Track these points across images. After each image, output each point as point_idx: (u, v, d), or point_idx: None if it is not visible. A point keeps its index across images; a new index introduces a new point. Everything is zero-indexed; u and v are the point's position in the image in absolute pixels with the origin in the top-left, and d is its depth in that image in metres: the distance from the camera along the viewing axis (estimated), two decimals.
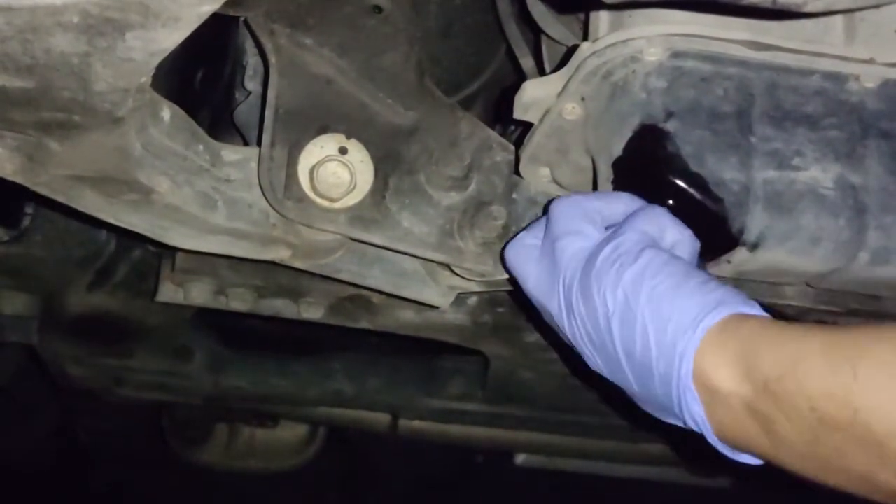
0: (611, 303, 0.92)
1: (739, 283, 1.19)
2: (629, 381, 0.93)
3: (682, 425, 0.91)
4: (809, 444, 0.78)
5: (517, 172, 1.26)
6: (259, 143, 1.14)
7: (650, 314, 0.89)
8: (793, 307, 1.27)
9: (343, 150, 1.14)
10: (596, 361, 0.98)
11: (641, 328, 0.89)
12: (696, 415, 0.86)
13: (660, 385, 0.88)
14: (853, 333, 0.78)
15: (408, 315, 1.62)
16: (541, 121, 1.15)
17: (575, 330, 0.98)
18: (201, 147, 1.13)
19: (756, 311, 0.86)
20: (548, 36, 1.38)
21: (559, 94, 1.11)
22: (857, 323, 1.09)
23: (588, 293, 0.95)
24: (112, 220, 1.13)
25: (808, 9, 0.89)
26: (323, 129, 1.14)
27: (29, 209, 1.63)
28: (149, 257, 1.69)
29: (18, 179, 1.02)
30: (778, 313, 1.00)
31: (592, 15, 1.16)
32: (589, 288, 0.95)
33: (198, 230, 1.18)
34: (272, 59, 1.15)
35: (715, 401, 0.84)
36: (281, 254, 1.25)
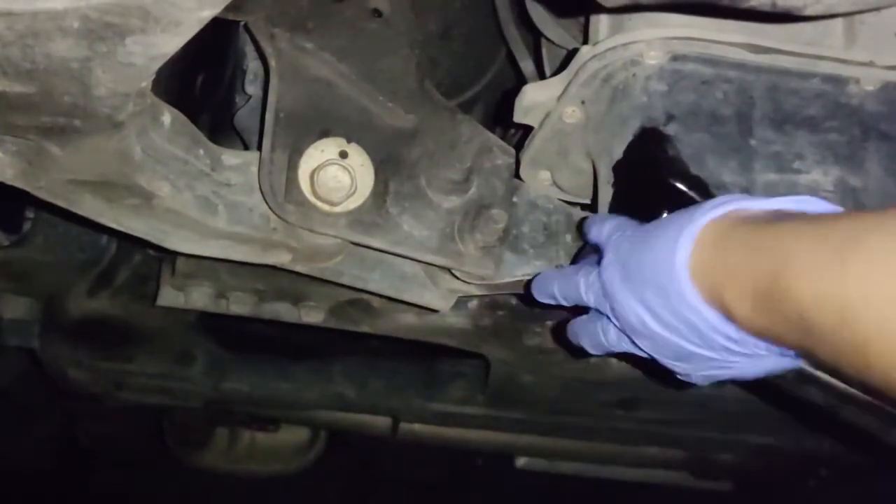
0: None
1: None
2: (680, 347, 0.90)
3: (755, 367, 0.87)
4: (810, 351, 0.74)
5: (517, 176, 1.26)
6: (260, 148, 1.14)
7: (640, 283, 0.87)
8: None
9: (343, 154, 1.14)
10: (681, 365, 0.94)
11: (642, 298, 0.88)
12: (732, 334, 0.82)
13: (690, 335, 0.85)
14: (846, 222, 0.72)
15: (408, 318, 1.62)
16: (541, 124, 1.16)
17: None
18: (202, 151, 1.13)
19: (726, 206, 0.82)
20: (548, 39, 1.38)
21: (559, 98, 1.11)
22: None
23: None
24: (112, 225, 1.13)
25: (808, 12, 0.89)
26: (323, 133, 1.14)
27: (30, 214, 1.63)
28: (149, 261, 1.69)
29: (19, 184, 1.02)
30: None
31: (592, 18, 1.16)
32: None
33: (198, 234, 1.18)
34: (272, 63, 1.15)
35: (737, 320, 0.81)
36: (281, 258, 1.25)
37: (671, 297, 0.84)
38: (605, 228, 0.98)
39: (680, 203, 1.01)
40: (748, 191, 1.00)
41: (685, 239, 0.82)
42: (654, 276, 0.85)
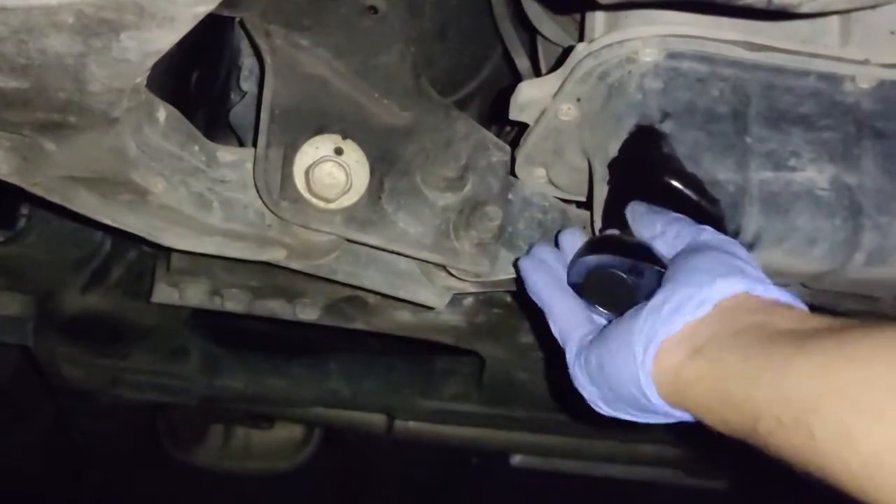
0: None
1: None
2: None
3: None
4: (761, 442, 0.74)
5: (513, 173, 1.26)
6: (255, 144, 1.14)
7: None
8: None
9: (339, 151, 1.14)
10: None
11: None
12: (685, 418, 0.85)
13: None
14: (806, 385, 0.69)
15: (403, 316, 1.62)
16: (537, 121, 1.15)
17: None
18: (197, 148, 1.13)
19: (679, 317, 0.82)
20: (543, 36, 1.38)
21: (555, 95, 1.11)
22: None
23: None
24: (107, 221, 1.13)
25: (804, 9, 0.89)
26: (319, 130, 1.14)
27: (24, 210, 1.63)
28: (144, 258, 1.69)
29: (14, 180, 1.02)
30: None
31: (588, 15, 1.16)
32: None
33: (193, 231, 1.18)
34: (268, 60, 1.15)
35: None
36: (276, 255, 1.24)
37: (637, 405, 0.86)
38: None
39: (674, 202, 1.01)
40: (744, 189, 1.00)
41: (649, 356, 0.82)
42: (623, 387, 0.86)
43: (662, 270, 0.93)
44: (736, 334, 0.77)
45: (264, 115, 1.13)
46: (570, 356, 0.95)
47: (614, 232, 1.03)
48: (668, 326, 0.81)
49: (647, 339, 0.82)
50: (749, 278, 0.83)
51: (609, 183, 1.07)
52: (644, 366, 0.82)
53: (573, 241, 1.07)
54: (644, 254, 0.97)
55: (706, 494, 2.67)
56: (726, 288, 0.81)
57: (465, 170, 1.20)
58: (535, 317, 1.06)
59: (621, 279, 0.98)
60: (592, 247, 1.01)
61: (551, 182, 1.27)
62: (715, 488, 2.64)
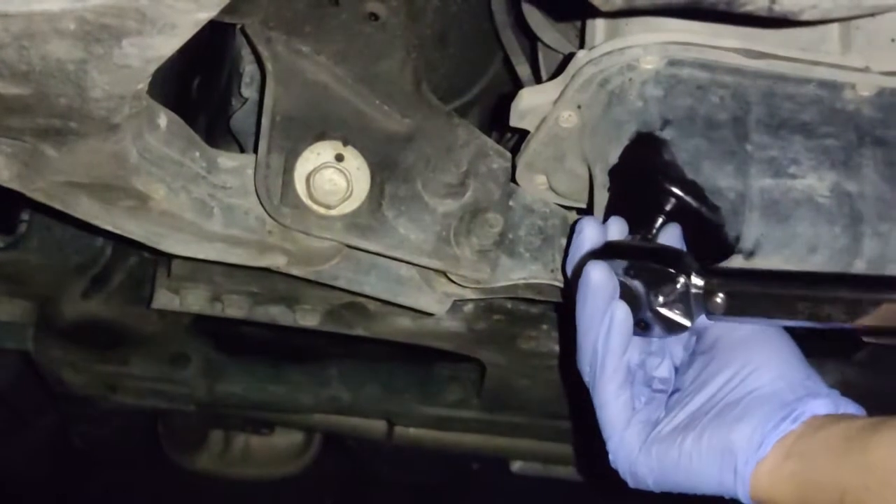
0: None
1: None
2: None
3: None
4: None
5: (513, 180, 1.26)
6: (256, 150, 1.14)
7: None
8: None
9: (339, 158, 1.14)
10: None
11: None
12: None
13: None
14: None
15: (404, 322, 1.62)
16: (537, 128, 1.15)
17: None
18: (198, 154, 1.13)
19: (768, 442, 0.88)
20: (544, 43, 1.38)
21: (556, 102, 1.11)
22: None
23: None
24: (108, 227, 1.13)
25: (805, 17, 0.89)
26: (319, 136, 1.14)
27: (25, 215, 1.63)
28: (145, 264, 1.69)
29: (14, 186, 1.02)
30: None
31: (589, 23, 1.16)
32: None
33: (194, 237, 1.18)
34: (269, 67, 1.15)
35: None
36: (277, 261, 1.24)
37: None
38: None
39: (675, 209, 1.01)
40: (744, 196, 1.00)
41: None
42: (703, 485, 0.95)
43: (662, 269, 0.96)
44: (817, 433, 0.87)
45: (265, 122, 1.13)
46: (625, 450, 0.98)
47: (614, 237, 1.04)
48: (771, 441, 0.88)
49: (752, 450, 0.89)
50: (832, 398, 0.92)
51: (610, 190, 1.08)
52: (743, 476, 0.89)
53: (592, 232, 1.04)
54: (641, 255, 0.98)
55: (706, 499, 2.66)
56: (820, 407, 0.90)
57: (466, 176, 1.20)
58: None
59: (623, 284, 0.98)
60: (594, 255, 1.02)
61: (552, 189, 1.27)
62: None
